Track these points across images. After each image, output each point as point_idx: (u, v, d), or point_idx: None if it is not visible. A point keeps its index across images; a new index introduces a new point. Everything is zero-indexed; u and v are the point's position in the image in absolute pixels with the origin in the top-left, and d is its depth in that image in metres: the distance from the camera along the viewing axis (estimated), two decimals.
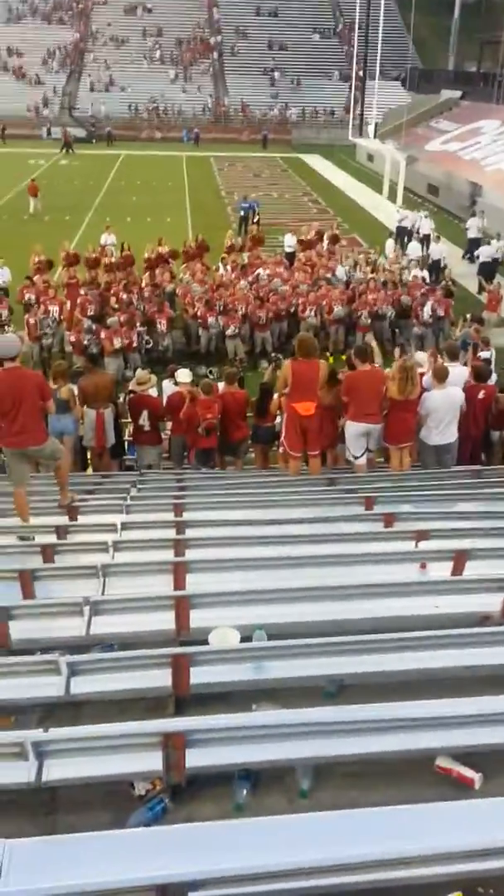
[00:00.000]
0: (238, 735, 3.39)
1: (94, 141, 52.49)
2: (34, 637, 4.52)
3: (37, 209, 31.49)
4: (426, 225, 25.35)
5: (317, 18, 68.16)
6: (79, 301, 16.79)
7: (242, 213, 28.57)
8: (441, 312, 17.56)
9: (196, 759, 3.29)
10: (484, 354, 12.53)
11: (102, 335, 15.10)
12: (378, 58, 38.78)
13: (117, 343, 15.13)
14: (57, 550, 5.84)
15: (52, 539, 6.23)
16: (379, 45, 38.45)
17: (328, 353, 17.26)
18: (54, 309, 16.46)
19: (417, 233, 25.03)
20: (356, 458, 8.94)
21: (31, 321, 16.15)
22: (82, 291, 17.35)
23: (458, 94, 48.54)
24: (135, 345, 15.77)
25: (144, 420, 10.11)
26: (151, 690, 3.97)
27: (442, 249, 23.15)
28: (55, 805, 3.36)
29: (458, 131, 42.05)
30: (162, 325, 16.55)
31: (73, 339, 15.86)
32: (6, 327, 16.23)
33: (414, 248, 23.34)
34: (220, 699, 4.03)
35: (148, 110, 58.14)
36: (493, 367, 12.11)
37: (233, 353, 16.88)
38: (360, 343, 12.48)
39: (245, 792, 3.36)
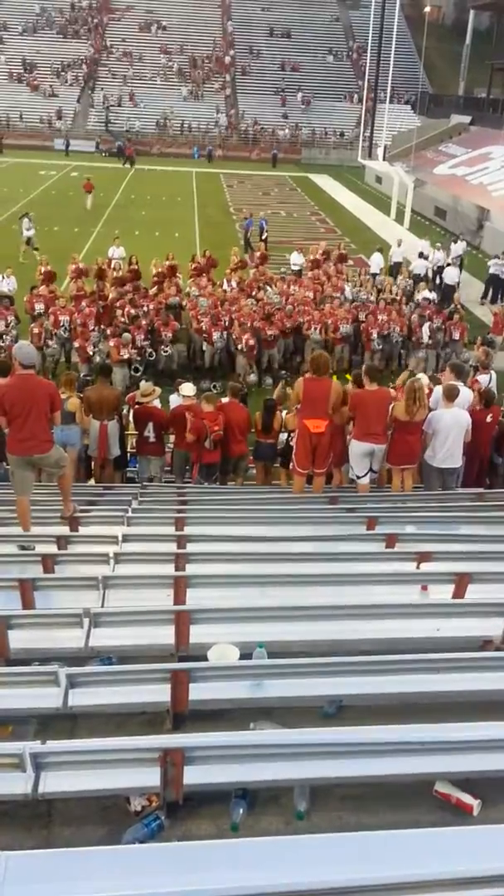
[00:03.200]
0: (236, 753, 3.36)
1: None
2: (33, 647, 4.50)
3: (91, 205, 34.75)
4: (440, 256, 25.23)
5: (329, 41, 68.73)
6: (78, 317, 16.85)
7: (246, 230, 28.76)
8: (456, 336, 17.72)
9: (193, 776, 3.27)
10: (482, 378, 12.50)
11: (111, 343, 15.14)
12: (389, 81, 39.13)
13: (125, 353, 15.20)
14: (57, 561, 5.82)
15: (52, 549, 6.21)
16: (390, 69, 38.88)
17: (331, 372, 17.31)
18: (65, 319, 16.57)
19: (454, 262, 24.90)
20: (359, 477, 8.93)
21: (36, 330, 16.22)
22: (83, 304, 17.41)
23: (467, 119, 48.88)
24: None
25: (150, 431, 10.13)
26: (150, 705, 3.95)
27: (456, 273, 23.30)
28: (51, 818, 3.34)
29: (466, 156, 42.31)
30: (167, 337, 16.58)
31: (77, 344, 16.04)
32: (7, 336, 16.24)
33: (452, 275, 23.40)
34: (217, 716, 4.00)
35: (165, 126, 58.58)
36: (495, 389, 12.15)
37: (242, 368, 16.91)
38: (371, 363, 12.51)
39: (241, 812, 3.33)
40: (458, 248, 25.75)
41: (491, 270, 23.44)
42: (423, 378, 10.02)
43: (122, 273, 20.26)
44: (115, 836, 3.24)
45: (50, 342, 16.31)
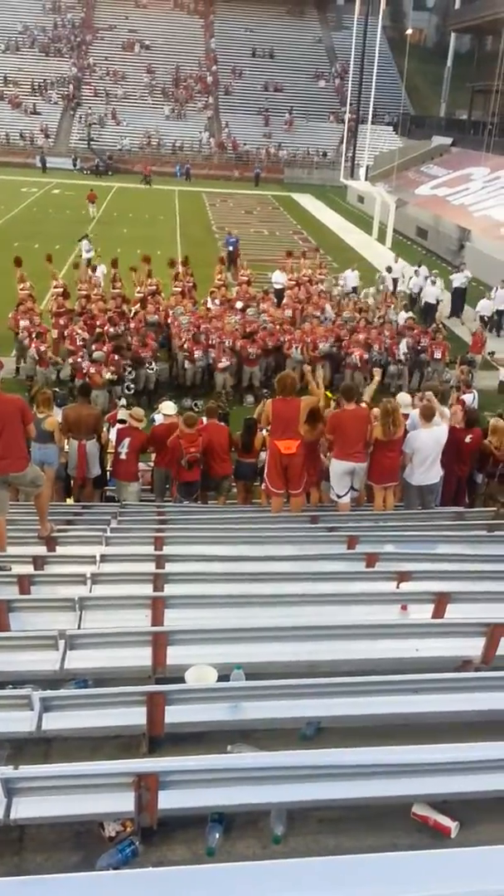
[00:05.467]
0: (212, 777, 3.32)
1: (109, 173, 53.48)
2: (7, 670, 4.44)
3: (94, 214, 37.26)
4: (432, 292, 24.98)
5: (312, 62, 69.40)
6: (66, 333, 16.85)
7: (231, 248, 28.80)
8: (438, 355, 17.87)
9: (169, 800, 3.23)
10: (466, 397, 12.63)
11: (92, 369, 15.11)
12: (371, 102, 39.50)
13: (107, 375, 15.17)
14: (34, 581, 5.76)
15: (29, 570, 6.15)
16: (372, 91, 39.25)
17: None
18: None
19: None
20: (339, 496, 8.93)
21: (42, 348, 16.28)
22: (62, 321, 17.49)
23: (448, 140, 49.53)
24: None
25: (123, 447, 10.03)
26: (125, 728, 3.90)
27: (436, 292, 23.41)
28: (23, 844, 3.28)
29: (447, 177, 42.81)
30: (146, 356, 16.55)
31: (71, 361, 16.10)
32: None
33: (431, 294, 23.46)
34: (194, 739, 3.96)
35: (150, 144, 58.95)
36: (476, 406, 12.28)
37: (221, 387, 16.93)
38: (347, 381, 12.55)
39: (217, 836, 3.29)
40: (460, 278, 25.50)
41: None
42: (405, 397, 10.08)
43: (102, 290, 20.27)
44: (89, 862, 3.19)
45: (56, 358, 16.42)
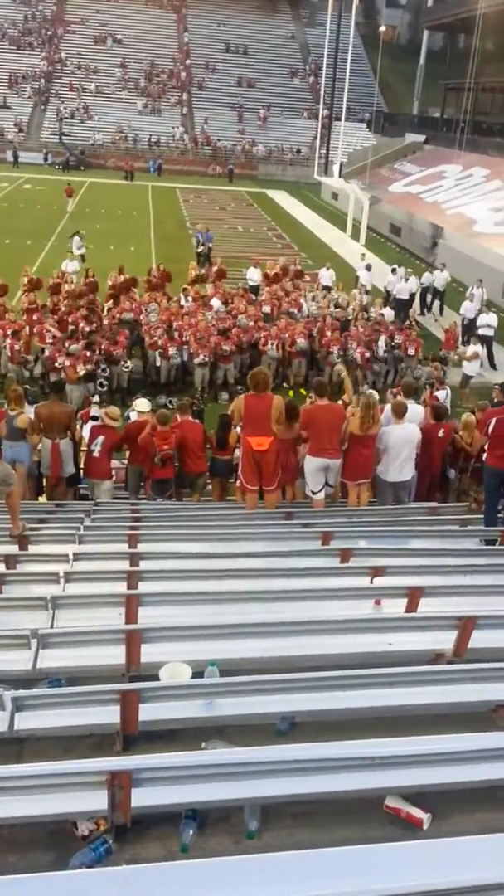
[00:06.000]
0: (185, 774, 3.32)
1: (81, 168, 53.41)
2: None
3: (72, 208, 37.65)
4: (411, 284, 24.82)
5: (286, 58, 69.38)
6: (36, 329, 16.73)
7: (210, 244, 28.76)
8: (411, 351, 17.96)
9: (142, 798, 3.22)
10: (439, 394, 12.72)
11: (67, 363, 15.01)
12: (345, 99, 39.58)
13: (81, 370, 15.09)
14: (6, 580, 5.73)
15: (0, 569, 6.11)
16: (346, 87, 39.30)
17: (287, 386, 17.40)
18: None
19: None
20: (314, 493, 8.94)
21: (17, 347, 16.12)
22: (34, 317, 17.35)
23: (421, 138, 49.78)
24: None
25: (97, 446, 9.96)
26: (99, 727, 3.89)
27: (410, 287, 23.48)
28: None
29: (420, 174, 43.05)
30: (118, 354, 16.46)
31: (46, 354, 15.97)
32: None
33: (403, 290, 23.51)
34: (169, 736, 3.96)
35: (125, 139, 58.67)
36: (448, 404, 12.38)
37: (199, 382, 16.88)
38: (320, 377, 12.59)
39: (191, 832, 3.29)
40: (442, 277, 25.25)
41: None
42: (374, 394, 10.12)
43: (75, 286, 20.16)
44: (62, 861, 3.18)
45: (27, 356, 16.32)
